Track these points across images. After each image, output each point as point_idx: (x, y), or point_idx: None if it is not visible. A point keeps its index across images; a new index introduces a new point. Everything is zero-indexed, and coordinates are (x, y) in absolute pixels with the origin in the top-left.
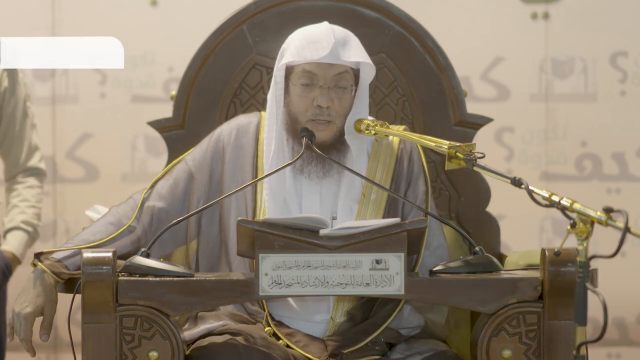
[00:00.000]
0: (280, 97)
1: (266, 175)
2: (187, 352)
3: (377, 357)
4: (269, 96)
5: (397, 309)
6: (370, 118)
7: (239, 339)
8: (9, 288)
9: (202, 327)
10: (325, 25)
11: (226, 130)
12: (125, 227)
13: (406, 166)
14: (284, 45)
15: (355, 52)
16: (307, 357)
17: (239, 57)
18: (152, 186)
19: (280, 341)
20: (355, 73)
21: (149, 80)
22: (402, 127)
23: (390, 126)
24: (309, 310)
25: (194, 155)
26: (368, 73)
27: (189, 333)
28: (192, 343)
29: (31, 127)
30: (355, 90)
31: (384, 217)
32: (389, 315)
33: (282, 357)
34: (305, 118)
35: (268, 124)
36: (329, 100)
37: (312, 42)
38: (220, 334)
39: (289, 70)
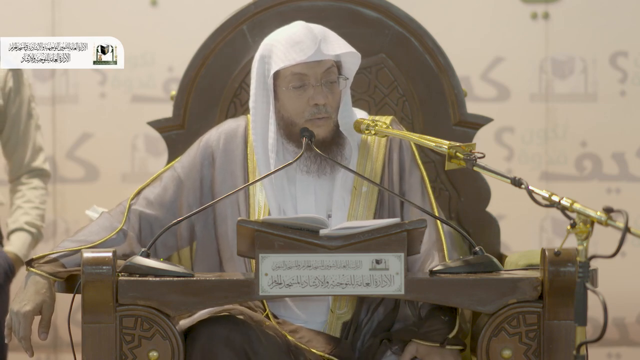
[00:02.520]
0: (271, 104)
1: (266, 176)
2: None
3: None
4: (254, 105)
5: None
6: (367, 117)
7: (240, 317)
8: (12, 289)
9: (202, 312)
10: (300, 24)
11: (214, 135)
12: (118, 229)
13: (396, 158)
14: (262, 52)
15: (338, 45)
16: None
17: (239, 57)
18: (138, 193)
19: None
20: (338, 65)
21: (149, 80)
22: (390, 118)
23: (378, 117)
24: (308, 311)
25: (182, 163)
26: (352, 62)
27: (188, 320)
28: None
29: (35, 128)
30: (341, 80)
31: (376, 210)
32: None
33: (283, 341)
34: (303, 119)
35: (259, 132)
36: (325, 97)
37: (296, 44)
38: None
39: (275, 76)
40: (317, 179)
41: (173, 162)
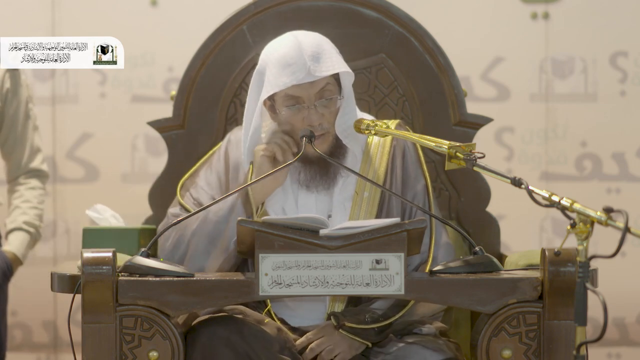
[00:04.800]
0: (252, 121)
1: (265, 176)
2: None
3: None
4: (244, 115)
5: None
6: (370, 117)
7: (240, 316)
8: (10, 288)
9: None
10: (293, 41)
11: (222, 151)
12: None
13: (400, 164)
14: (259, 68)
15: (331, 64)
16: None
17: (239, 57)
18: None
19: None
20: (336, 77)
21: (149, 80)
22: (397, 121)
23: (384, 122)
24: (305, 309)
25: (207, 180)
26: (348, 78)
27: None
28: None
29: (33, 129)
30: (337, 100)
31: (377, 215)
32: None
33: (284, 340)
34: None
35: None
36: (319, 117)
37: (287, 66)
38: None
39: (271, 96)
40: (316, 193)
41: (199, 181)
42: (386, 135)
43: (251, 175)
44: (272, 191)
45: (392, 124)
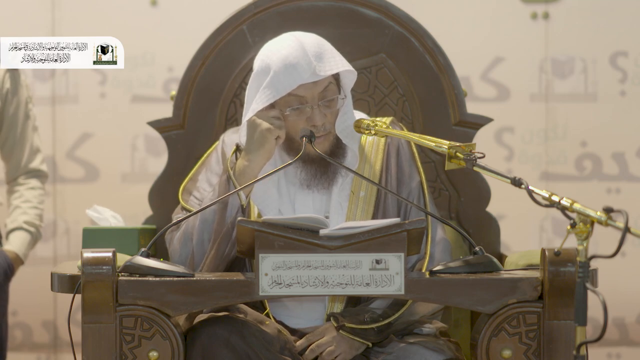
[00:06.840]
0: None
1: (265, 176)
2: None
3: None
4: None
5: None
6: (365, 116)
7: (241, 316)
8: (10, 288)
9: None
10: (294, 41)
11: (220, 152)
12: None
13: (394, 162)
14: (260, 70)
15: (334, 63)
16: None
17: (239, 57)
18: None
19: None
20: (336, 77)
21: (149, 80)
22: (390, 119)
23: (378, 119)
24: (304, 309)
25: (209, 181)
26: (349, 77)
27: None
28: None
29: (33, 129)
30: (339, 99)
31: (373, 214)
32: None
33: (284, 340)
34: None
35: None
36: (323, 117)
37: (291, 66)
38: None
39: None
40: (315, 193)
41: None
42: (386, 135)
43: (234, 153)
44: (257, 171)
45: (387, 120)
